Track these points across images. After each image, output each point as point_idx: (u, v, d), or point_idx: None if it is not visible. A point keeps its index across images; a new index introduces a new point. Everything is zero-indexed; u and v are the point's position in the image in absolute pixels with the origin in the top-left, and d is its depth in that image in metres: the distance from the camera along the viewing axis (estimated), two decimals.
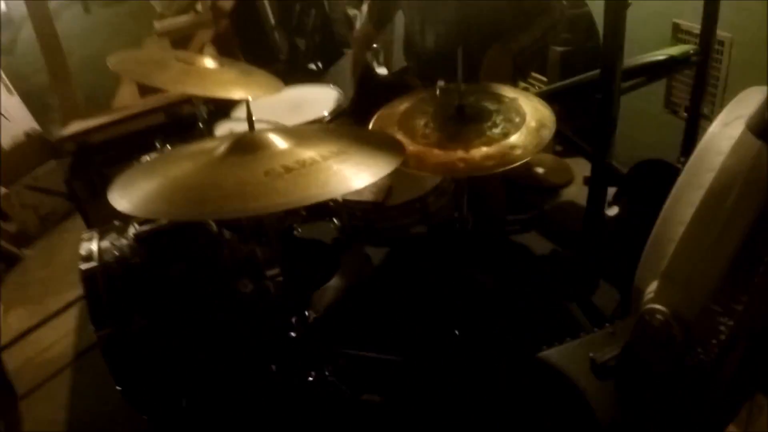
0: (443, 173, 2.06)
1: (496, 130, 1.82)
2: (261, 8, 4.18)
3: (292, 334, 2.25)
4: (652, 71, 2.82)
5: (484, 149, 1.75)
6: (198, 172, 1.64)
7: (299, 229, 2.58)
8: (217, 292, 2.18)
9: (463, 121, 1.87)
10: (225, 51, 4.23)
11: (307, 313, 2.30)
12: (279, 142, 1.70)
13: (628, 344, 1.45)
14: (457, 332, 2.36)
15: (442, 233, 2.28)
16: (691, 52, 2.81)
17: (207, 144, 1.83)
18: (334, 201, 2.29)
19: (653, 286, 1.36)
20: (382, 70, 3.71)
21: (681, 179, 1.37)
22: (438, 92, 1.98)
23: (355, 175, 1.53)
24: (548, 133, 1.82)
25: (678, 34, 3.32)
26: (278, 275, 2.23)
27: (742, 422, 2.19)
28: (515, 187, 3.37)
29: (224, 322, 2.18)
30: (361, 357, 2.43)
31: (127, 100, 4.18)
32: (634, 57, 2.90)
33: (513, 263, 2.94)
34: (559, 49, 3.64)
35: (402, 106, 2.05)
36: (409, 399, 2.32)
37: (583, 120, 2.66)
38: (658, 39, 3.36)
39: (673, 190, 1.38)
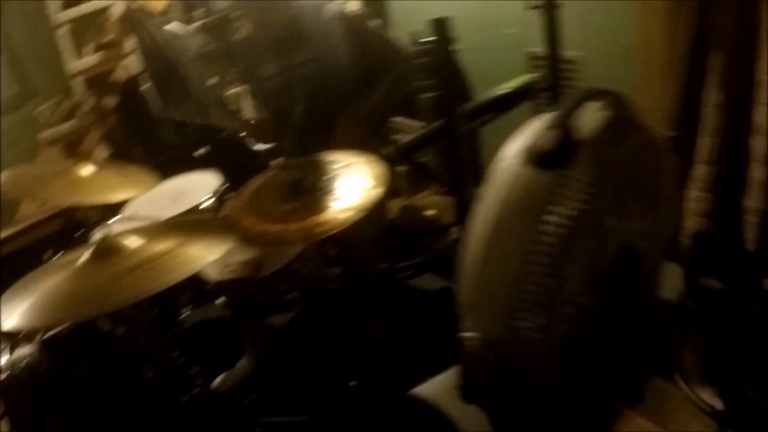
0: (284, 245, 2.18)
1: (332, 196, 1.95)
2: (144, 99, 4.27)
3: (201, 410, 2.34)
4: (499, 105, 2.95)
5: (319, 217, 1.88)
6: (65, 281, 1.81)
7: (186, 313, 2.66)
8: (120, 384, 2.28)
9: (302, 193, 2.00)
10: (118, 147, 4.32)
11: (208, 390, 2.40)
12: (133, 242, 1.86)
13: (462, 372, 1.57)
14: (352, 383, 2.46)
15: (315, 295, 2.39)
16: (534, 79, 2.95)
17: (75, 254, 1.96)
18: (213, 282, 2.39)
19: (468, 316, 1.49)
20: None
21: (475, 215, 1.48)
22: (278, 170, 2.11)
23: (190, 263, 1.70)
24: (381, 190, 1.96)
25: (534, 61, 3.49)
26: (176, 358, 2.34)
27: (652, 412, 2.33)
28: (406, 233, 3.49)
29: (131, 411, 2.27)
30: (269, 424, 2.51)
31: (30, 208, 4.23)
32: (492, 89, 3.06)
33: (410, 307, 3.04)
34: (427, 95, 3.78)
35: (253, 185, 2.18)
36: None
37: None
38: (515, 69, 3.53)
39: (471, 226, 1.49)
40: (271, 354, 2.69)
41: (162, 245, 1.81)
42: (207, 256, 1.73)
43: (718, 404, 2.23)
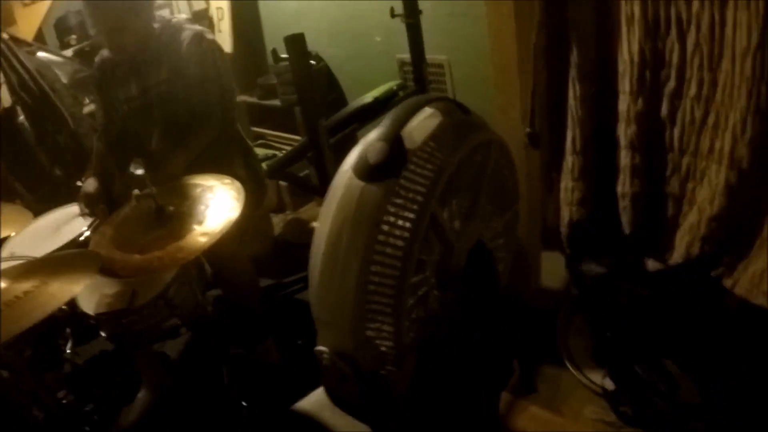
0: (144, 274, 2.16)
1: (191, 221, 1.96)
2: (21, 132, 4.17)
3: None
4: (365, 114, 2.99)
5: (180, 243, 1.88)
6: None
7: (69, 350, 2.61)
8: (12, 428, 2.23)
9: (166, 220, 2.00)
10: None
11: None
12: None
13: (324, 386, 1.59)
14: (244, 404, 2.46)
15: (196, 321, 2.38)
16: (395, 87, 3.00)
17: None
18: (91, 318, 2.36)
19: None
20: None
21: (316, 231, 1.49)
22: (135, 200, 2.10)
23: (49, 302, 1.69)
24: (236, 210, 1.96)
25: (404, 67, 3.56)
26: (66, 396, 2.30)
27: (545, 400, 2.40)
28: (295, 247, 3.51)
29: None
30: None
31: None
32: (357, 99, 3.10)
33: (299, 323, 3.03)
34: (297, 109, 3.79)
35: (118, 217, 2.17)
36: None
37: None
38: (386, 75, 3.60)
39: (313, 243, 1.50)
40: (168, 382, 2.68)
41: (25, 285, 1.79)
42: (66, 292, 1.72)
43: (609, 384, 2.32)
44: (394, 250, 1.36)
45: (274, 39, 4.33)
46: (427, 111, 1.51)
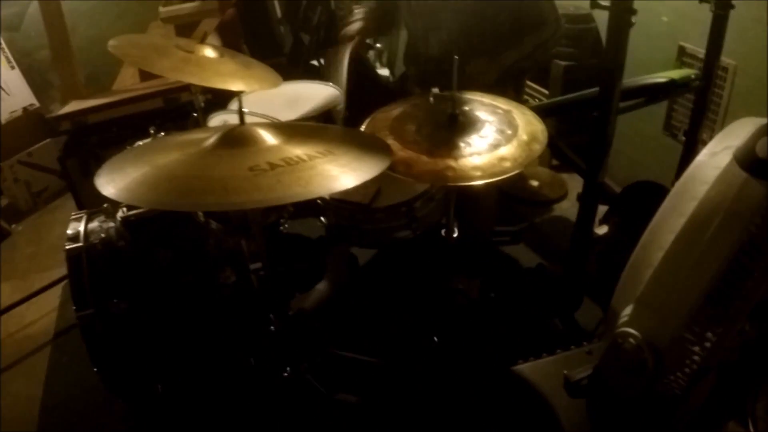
0: (430, 181, 2.04)
1: (487, 141, 1.79)
2: (264, 3, 4.15)
3: (271, 328, 2.24)
4: (652, 93, 2.78)
5: (473, 160, 1.72)
6: (184, 162, 1.63)
7: (286, 225, 2.55)
8: (200, 281, 2.18)
9: (455, 129, 1.83)
10: (229, 40, 4.20)
11: (287, 308, 2.31)
12: (268, 137, 1.69)
13: (598, 366, 1.44)
14: (435, 338, 2.35)
15: (426, 240, 2.25)
16: (693, 77, 2.77)
17: (197, 134, 1.82)
18: (322, 199, 2.28)
19: (629, 310, 1.35)
20: (384, 72, 3.69)
21: (665, 205, 1.35)
22: (431, 99, 1.95)
23: (339, 177, 1.52)
24: (539, 147, 1.79)
25: (683, 57, 3.31)
26: (262, 269, 2.22)
27: None
28: (508, 198, 3.37)
29: (205, 310, 2.18)
30: (340, 356, 2.42)
31: (128, 82, 4.16)
32: (636, 77, 2.88)
33: (499, 274, 2.91)
34: (563, 63, 3.63)
35: (396, 110, 2.02)
36: (384, 401, 2.32)
37: (580, 136, 2.64)
38: (662, 60, 3.35)
39: (656, 216, 1.36)
40: (353, 285, 2.60)
41: (302, 149, 1.62)
42: (355, 177, 1.53)
43: None
44: (756, 259, 1.19)
45: None
46: None
